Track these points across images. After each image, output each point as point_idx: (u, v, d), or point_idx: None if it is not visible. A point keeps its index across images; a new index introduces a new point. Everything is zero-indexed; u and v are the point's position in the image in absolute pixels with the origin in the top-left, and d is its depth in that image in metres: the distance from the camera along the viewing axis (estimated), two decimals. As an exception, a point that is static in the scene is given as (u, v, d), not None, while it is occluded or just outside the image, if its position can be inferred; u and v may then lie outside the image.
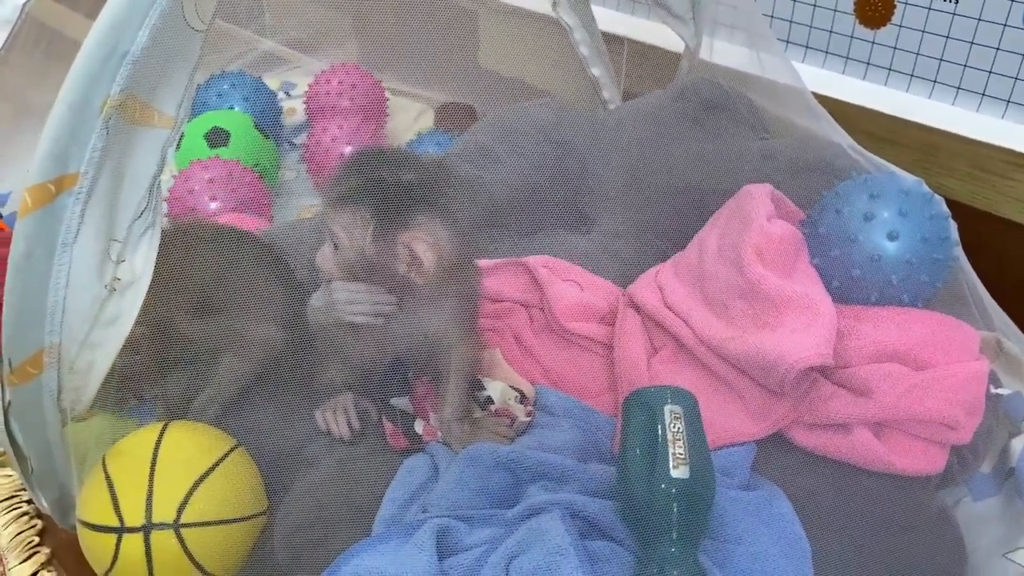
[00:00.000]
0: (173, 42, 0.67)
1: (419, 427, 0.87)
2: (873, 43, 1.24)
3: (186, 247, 0.86)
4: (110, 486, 0.73)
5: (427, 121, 1.70)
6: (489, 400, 0.90)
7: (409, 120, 1.72)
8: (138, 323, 0.72)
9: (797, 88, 0.99)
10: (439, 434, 0.87)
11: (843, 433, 0.83)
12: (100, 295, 0.70)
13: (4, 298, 0.69)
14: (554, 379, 0.95)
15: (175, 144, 0.82)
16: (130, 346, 0.78)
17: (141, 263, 0.71)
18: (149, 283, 0.71)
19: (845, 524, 0.78)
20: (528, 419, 0.89)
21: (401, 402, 0.90)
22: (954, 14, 1.14)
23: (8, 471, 1.02)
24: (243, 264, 0.93)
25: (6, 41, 0.83)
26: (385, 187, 0.78)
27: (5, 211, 1.40)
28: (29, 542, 0.93)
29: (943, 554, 0.79)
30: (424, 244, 0.78)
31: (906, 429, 0.83)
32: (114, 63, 0.63)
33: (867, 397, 0.82)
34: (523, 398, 0.91)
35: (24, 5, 0.82)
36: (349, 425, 0.88)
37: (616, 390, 0.92)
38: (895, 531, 0.79)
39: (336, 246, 0.81)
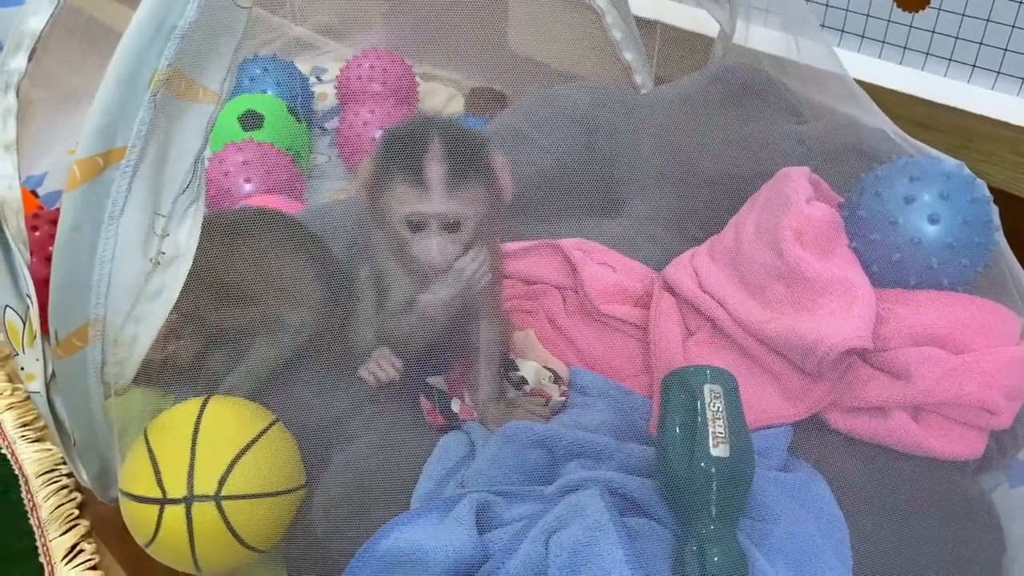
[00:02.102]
0: (219, 18, 0.68)
1: (455, 406, 0.88)
2: (911, 27, 1.23)
3: (220, 233, 0.86)
4: (153, 458, 0.74)
5: (457, 106, 1.71)
6: (523, 380, 0.90)
7: (439, 105, 1.73)
8: (175, 310, 0.73)
9: (838, 73, 0.98)
10: (475, 413, 0.88)
11: (880, 416, 0.82)
12: (145, 269, 0.70)
13: (51, 272, 0.70)
14: (588, 360, 0.96)
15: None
16: (171, 331, 0.79)
17: (185, 237, 0.71)
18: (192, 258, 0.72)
19: (882, 507, 0.78)
20: (563, 399, 0.89)
21: (437, 381, 0.91)
22: (995, -3, 1.13)
23: (47, 445, 1.03)
24: (277, 248, 0.93)
25: (46, 24, 0.83)
26: (469, 145, 0.81)
27: (41, 191, 1.42)
28: (69, 515, 0.95)
29: (980, 539, 0.78)
30: (503, 167, 0.83)
31: (944, 413, 0.82)
32: (162, 37, 0.63)
33: (905, 380, 0.82)
34: (557, 378, 0.91)
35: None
36: (393, 365, 0.89)
37: (650, 372, 0.92)
38: (932, 515, 0.79)
39: (457, 226, 0.81)
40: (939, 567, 0.74)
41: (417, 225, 0.81)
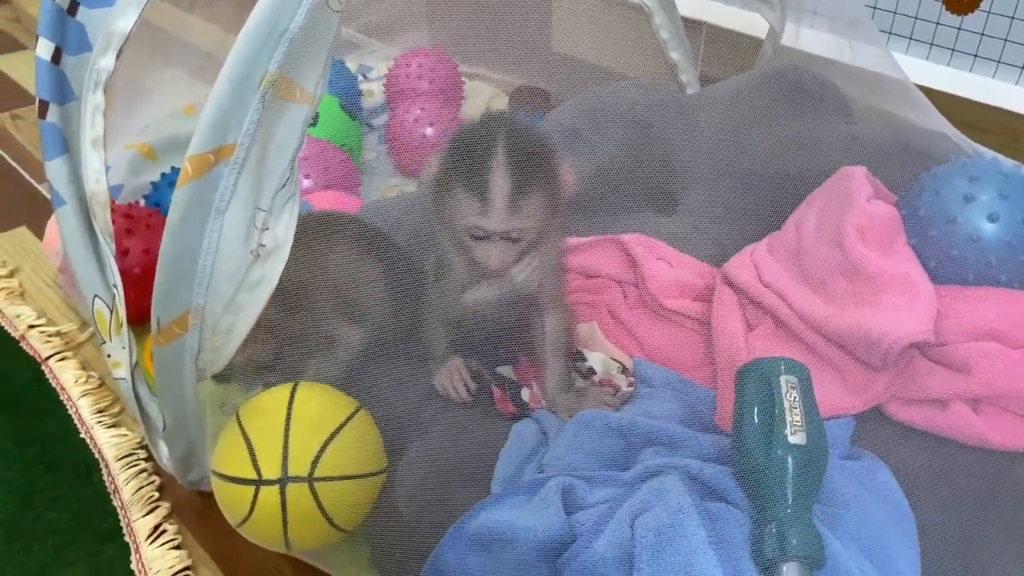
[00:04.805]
0: (317, 21, 0.71)
1: (525, 395, 0.91)
2: (959, 29, 1.25)
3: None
4: (247, 441, 0.78)
5: (500, 105, 1.73)
6: (591, 371, 0.93)
7: (482, 104, 1.76)
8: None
9: (896, 76, 1.00)
10: (543, 402, 0.91)
11: (940, 408, 0.85)
12: (246, 260, 0.74)
13: (158, 261, 0.73)
14: (649, 353, 0.98)
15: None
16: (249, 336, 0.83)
17: (283, 231, 0.75)
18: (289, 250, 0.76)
19: (943, 497, 0.81)
20: (630, 389, 0.92)
21: (506, 370, 0.94)
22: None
23: (123, 430, 1.07)
24: (342, 252, 0.96)
25: (133, 25, 0.87)
26: (536, 153, 0.82)
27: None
28: (150, 497, 0.98)
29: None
30: (568, 170, 0.85)
31: (1004, 405, 0.85)
32: (274, 40, 0.66)
33: (965, 374, 0.84)
34: (624, 369, 0.94)
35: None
36: (467, 387, 0.91)
37: (712, 364, 0.95)
38: (991, 505, 0.81)
39: (518, 240, 0.83)
40: (1001, 556, 0.77)
41: (479, 236, 0.83)
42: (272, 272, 0.75)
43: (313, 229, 0.95)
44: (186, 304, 0.75)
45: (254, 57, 0.66)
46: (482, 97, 1.76)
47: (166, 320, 0.76)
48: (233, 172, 0.70)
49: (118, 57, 0.89)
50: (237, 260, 0.74)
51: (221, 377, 0.83)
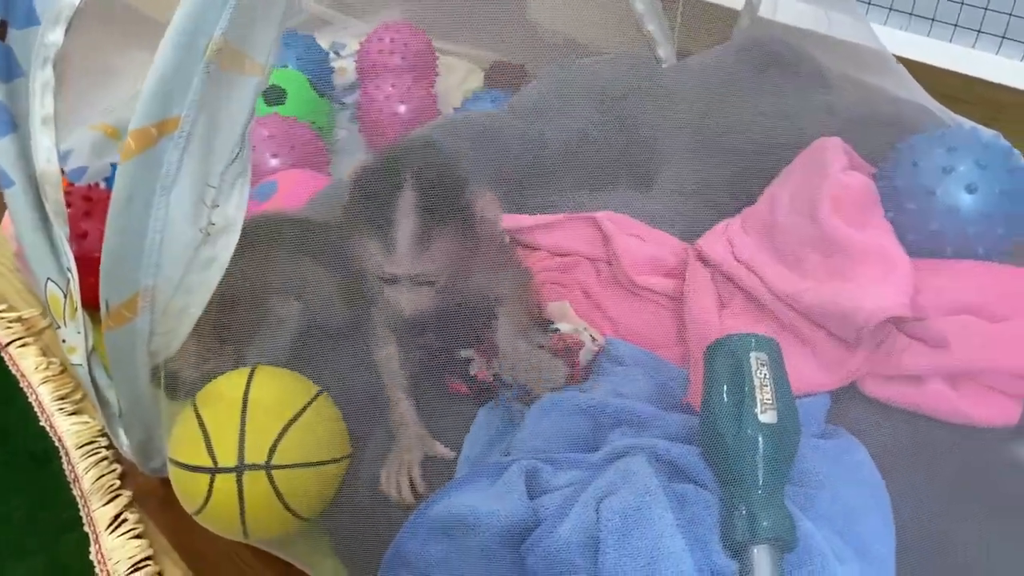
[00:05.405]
0: (266, -13, 0.68)
1: (473, 369, 0.87)
2: (939, -1, 1.22)
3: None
4: (203, 428, 0.75)
5: (476, 81, 1.70)
6: (556, 330, 0.90)
7: (457, 80, 1.72)
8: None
9: (874, 47, 0.98)
10: (488, 374, 0.87)
11: (917, 384, 0.83)
12: (195, 239, 0.71)
13: (104, 242, 0.70)
14: (622, 331, 0.96)
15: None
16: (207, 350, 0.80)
17: (234, 209, 0.72)
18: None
19: (920, 473, 0.79)
20: (596, 349, 0.89)
21: (468, 352, 0.91)
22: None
23: (85, 417, 1.04)
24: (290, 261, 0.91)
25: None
26: (446, 192, 0.77)
27: (66, 168, 1.42)
28: (111, 485, 0.96)
29: (1018, 504, 0.79)
30: (489, 205, 0.79)
31: (981, 381, 0.83)
32: (218, 5, 0.63)
33: (943, 349, 0.82)
34: (594, 340, 0.91)
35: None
36: (413, 488, 0.78)
37: (685, 342, 0.93)
38: (969, 482, 0.79)
39: (431, 282, 0.78)
40: (978, 531, 0.75)
41: (388, 280, 0.79)
42: (223, 252, 0.72)
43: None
44: (135, 286, 0.72)
45: (197, 23, 0.63)
46: (457, 73, 1.73)
47: (115, 303, 0.73)
48: (178, 147, 0.67)
49: (67, 32, 0.86)
50: (186, 239, 0.71)
51: (171, 389, 0.80)
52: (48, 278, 0.86)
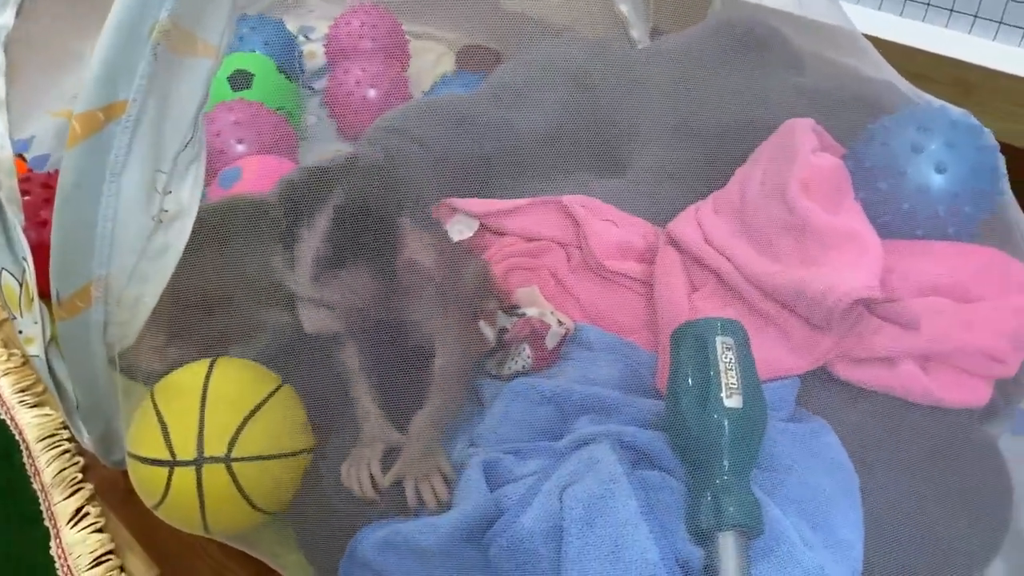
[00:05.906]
0: (217, -35, 0.66)
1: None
2: (911, -23, 1.21)
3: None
4: (161, 420, 0.74)
5: (447, 64, 1.68)
6: (522, 314, 0.88)
7: (429, 63, 1.70)
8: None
9: (844, 27, 0.96)
10: None
11: (888, 366, 0.82)
12: (147, 227, 0.69)
13: (52, 231, 0.68)
14: (592, 316, 0.95)
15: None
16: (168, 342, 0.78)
17: (187, 195, 0.70)
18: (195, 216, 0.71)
19: (891, 455, 0.78)
20: (563, 331, 0.87)
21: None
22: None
23: (46, 410, 1.02)
24: (245, 241, 0.86)
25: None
26: (369, 224, 0.70)
27: (28, 155, 1.40)
28: (72, 479, 0.94)
29: (989, 485, 0.79)
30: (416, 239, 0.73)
31: (952, 362, 0.82)
32: (164, -15, 0.61)
33: (914, 331, 0.82)
34: (561, 324, 0.90)
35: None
36: (374, 484, 0.75)
37: (655, 327, 0.92)
38: (941, 462, 0.79)
39: (334, 308, 0.73)
40: (949, 512, 0.75)
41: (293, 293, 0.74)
42: (177, 239, 0.70)
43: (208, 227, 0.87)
44: (87, 276, 0.70)
45: (141, 5, 0.61)
46: (429, 56, 1.70)
47: (66, 293, 0.71)
48: (126, 132, 0.65)
49: (19, 14, 0.84)
50: (138, 227, 0.69)
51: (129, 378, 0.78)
52: (2, 267, 0.84)
